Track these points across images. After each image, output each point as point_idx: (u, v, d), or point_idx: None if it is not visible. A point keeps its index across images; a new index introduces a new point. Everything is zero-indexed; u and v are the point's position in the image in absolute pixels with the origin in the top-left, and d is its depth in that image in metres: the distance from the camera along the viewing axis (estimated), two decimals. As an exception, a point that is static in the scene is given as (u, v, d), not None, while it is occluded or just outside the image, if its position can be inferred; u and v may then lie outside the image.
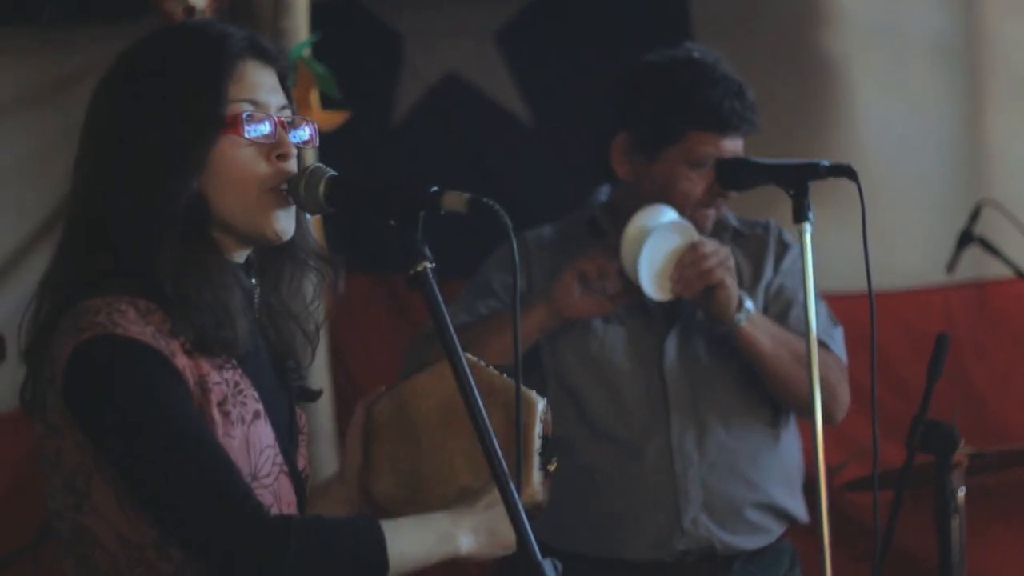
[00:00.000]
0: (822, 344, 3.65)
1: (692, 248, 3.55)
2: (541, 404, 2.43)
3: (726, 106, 3.61)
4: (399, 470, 2.44)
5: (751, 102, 3.66)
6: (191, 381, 2.19)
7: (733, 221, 3.80)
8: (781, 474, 3.72)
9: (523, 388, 2.38)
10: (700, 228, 3.66)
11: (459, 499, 2.34)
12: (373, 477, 2.45)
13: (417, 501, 2.41)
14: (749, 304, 3.60)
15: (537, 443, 2.42)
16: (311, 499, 2.47)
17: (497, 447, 2.11)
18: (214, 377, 2.22)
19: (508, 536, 2.19)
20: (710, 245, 3.56)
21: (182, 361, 2.19)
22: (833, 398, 3.65)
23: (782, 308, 3.73)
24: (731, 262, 3.58)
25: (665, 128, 3.63)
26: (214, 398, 2.21)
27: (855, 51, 5.04)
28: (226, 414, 2.21)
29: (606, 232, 3.74)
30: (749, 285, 3.73)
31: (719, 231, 3.78)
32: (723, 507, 3.65)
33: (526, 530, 2.10)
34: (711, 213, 3.68)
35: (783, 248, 3.77)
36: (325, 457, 4.33)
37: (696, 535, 3.63)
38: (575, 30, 5.13)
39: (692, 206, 3.65)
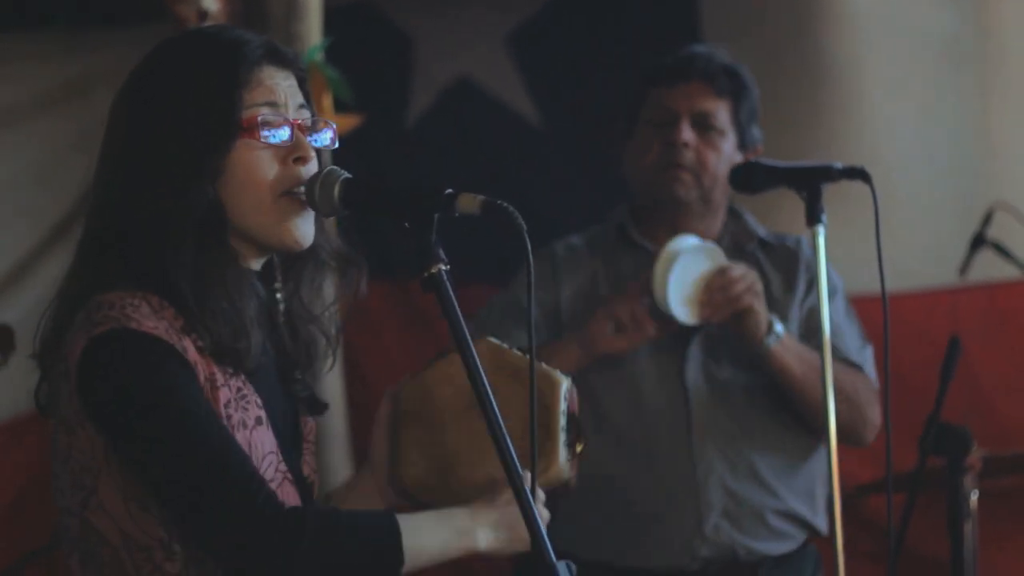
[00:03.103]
0: (854, 366, 3.69)
1: (720, 273, 3.57)
2: (565, 383, 2.44)
3: (671, 59, 3.75)
4: (427, 456, 2.44)
5: (709, 57, 3.73)
6: (202, 377, 2.20)
7: (760, 231, 3.81)
8: (802, 485, 3.71)
9: (546, 368, 2.40)
10: (671, 190, 3.69)
11: (488, 486, 2.34)
12: (402, 465, 2.45)
13: (447, 486, 2.41)
14: (779, 328, 3.61)
15: (562, 420, 2.42)
16: (339, 496, 2.49)
17: (510, 443, 2.12)
18: (220, 379, 2.22)
19: (523, 533, 2.20)
20: (738, 269, 3.58)
21: (194, 356, 2.19)
22: (863, 420, 3.69)
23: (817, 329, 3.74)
24: (759, 287, 3.59)
25: (630, 101, 3.78)
26: (222, 398, 2.22)
27: (865, 53, 5.03)
28: (228, 417, 2.22)
29: (633, 237, 3.77)
30: (781, 296, 3.74)
31: (744, 239, 3.79)
32: (744, 513, 3.64)
33: (540, 530, 2.11)
34: (684, 177, 3.69)
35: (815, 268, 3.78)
36: (338, 462, 4.34)
37: (718, 541, 3.62)
38: (585, 34, 5.14)
39: (654, 167, 3.70)
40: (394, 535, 2.19)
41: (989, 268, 4.83)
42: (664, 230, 3.75)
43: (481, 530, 2.27)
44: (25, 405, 2.38)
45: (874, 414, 3.71)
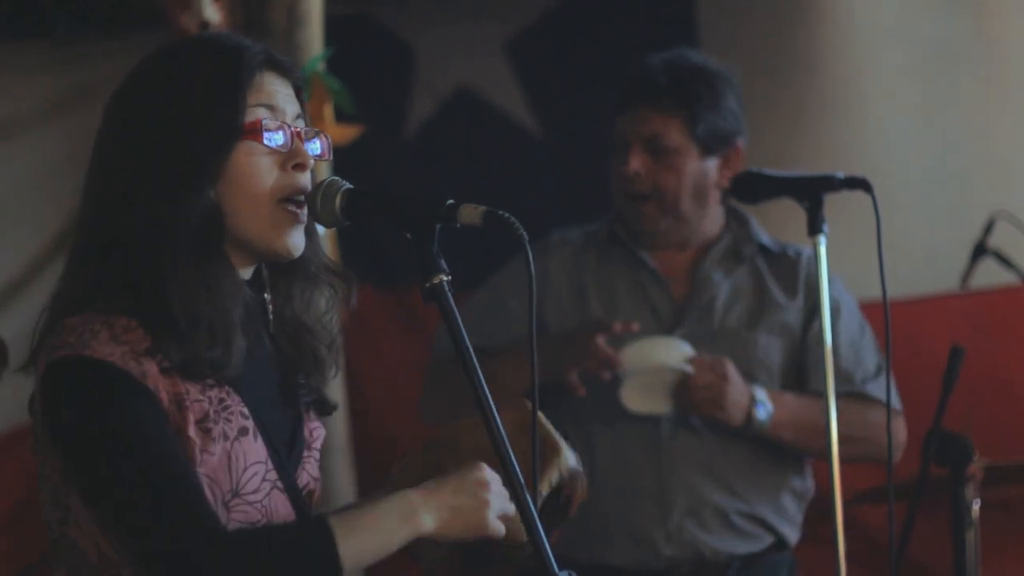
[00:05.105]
0: (862, 396, 3.65)
1: (684, 379, 3.56)
2: (571, 457, 2.41)
3: (629, 83, 3.71)
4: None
5: (655, 76, 3.67)
6: (165, 400, 2.17)
7: (763, 238, 3.79)
8: (769, 491, 3.68)
9: (557, 438, 2.40)
10: (637, 224, 3.69)
11: None
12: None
13: None
14: (761, 414, 3.59)
15: (545, 490, 2.38)
16: None
17: (515, 460, 2.14)
18: (194, 395, 2.20)
19: (474, 518, 2.20)
20: (703, 378, 3.55)
21: (155, 381, 2.17)
22: (880, 451, 3.63)
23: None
24: (723, 395, 3.54)
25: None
26: (192, 416, 2.19)
27: (865, 61, 5.04)
28: (207, 431, 2.19)
29: (620, 235, 3.76)
30: (783, 302, 3.72)
31: (743, 243, 3.77)
32: (708, 513, 3.63)
33: (543, 542, 2.12)
34: (644, 210, 3.68)
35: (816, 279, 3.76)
36: (339, 471, 4.34)
37: (682, 540, 3.61)
38: (584, 43, 5.15)
39: (619, 197, 3.69)
40: (328, 543, 2.14)
41: (988, 275, 4.83)
42: (649, 242, 3.75)
43: (427, 512, 2.20)
44: (20, 418, 2.37)
45: (896, 440, 3.65)
